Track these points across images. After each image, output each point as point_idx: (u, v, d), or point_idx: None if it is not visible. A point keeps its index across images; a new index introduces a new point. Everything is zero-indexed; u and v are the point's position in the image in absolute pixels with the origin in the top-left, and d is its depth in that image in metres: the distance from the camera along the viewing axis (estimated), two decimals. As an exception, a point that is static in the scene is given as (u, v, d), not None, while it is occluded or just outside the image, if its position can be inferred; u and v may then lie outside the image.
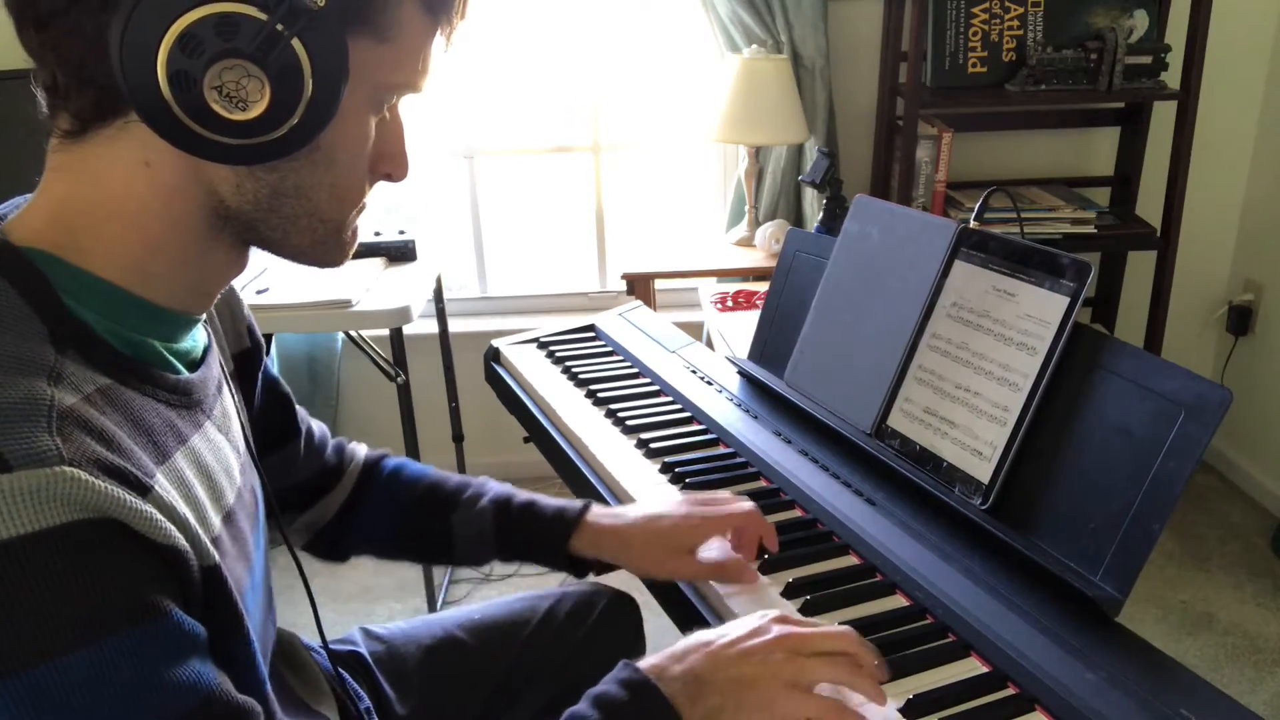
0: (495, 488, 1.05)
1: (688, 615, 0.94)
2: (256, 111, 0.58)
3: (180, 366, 0.69)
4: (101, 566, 0.53)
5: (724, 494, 1.01)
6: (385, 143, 0.69)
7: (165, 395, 0.65)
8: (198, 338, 0.73)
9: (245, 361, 0.91)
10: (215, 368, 0.75)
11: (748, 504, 0.97)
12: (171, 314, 0.67)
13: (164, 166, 0.62)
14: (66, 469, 0.52)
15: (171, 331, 0.68)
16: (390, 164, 0.70)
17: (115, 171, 0.62)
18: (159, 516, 0.56)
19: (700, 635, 0.77)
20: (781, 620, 0.77)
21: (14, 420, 0.53)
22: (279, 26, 0.57)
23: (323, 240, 0.68)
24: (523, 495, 1.03)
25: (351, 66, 0.61)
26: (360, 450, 1.08)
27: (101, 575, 0.53)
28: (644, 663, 0.74)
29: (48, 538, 0.51)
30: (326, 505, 1.04)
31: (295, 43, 0.58)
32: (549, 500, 1.02)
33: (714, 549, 0.98)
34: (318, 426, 1.06)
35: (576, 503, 1.02)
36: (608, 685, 0.73)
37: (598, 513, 1.00)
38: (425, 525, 1.04)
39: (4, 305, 0.58)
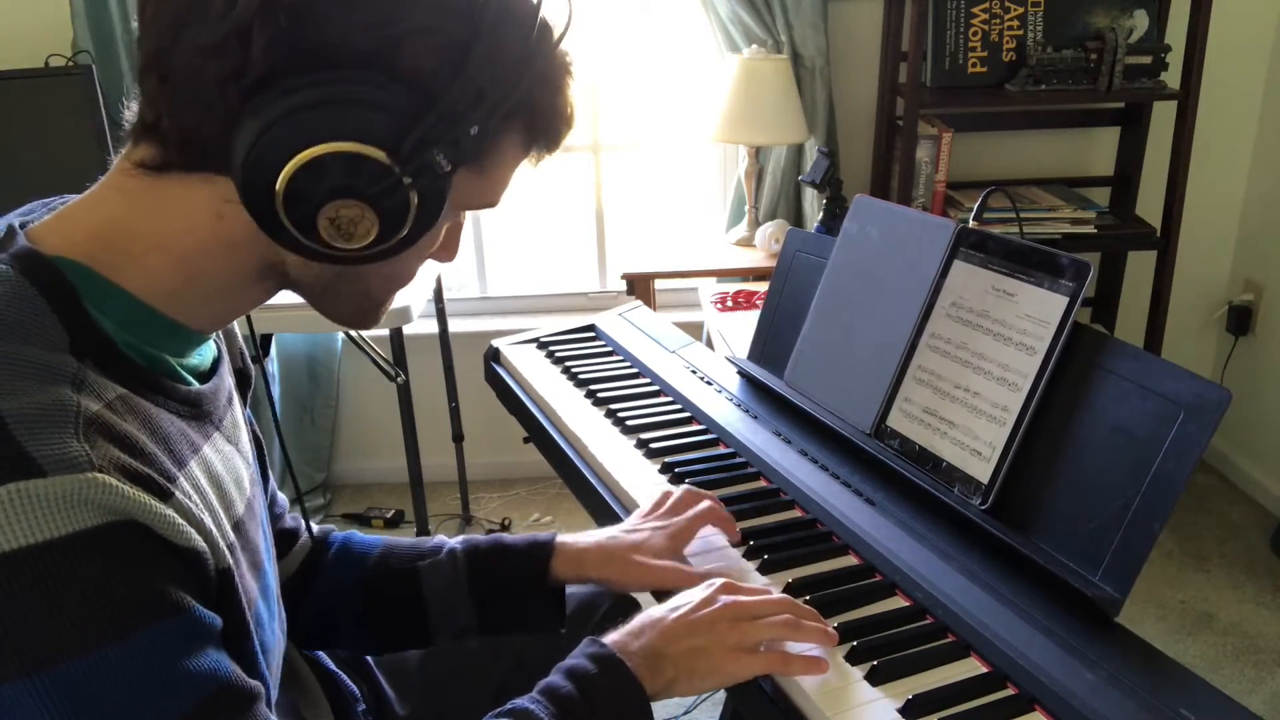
0: (456, 538, 1.01)
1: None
2: (360, 244, 0.61)
3: (191, 379, 0.70)
4: (130, 567, 0.55)
5: (657, 499, 1.02)
6: (445, 235, 0.73)
7: (177, 406, 0.66)
8: (206, 351, 0.74)
9: (240, 380, 0.91)
10: (226, 379, 0.76)
11: (705, 503, 0.99)
12: (187, 331, 0.68)
13: (235, 223, 0.63)
14: (97, 475, 0.54)
15: (183, 347, 0.69)
16: (443, 252, 0.74)
17: (184, 212, 0.63)
18: (179, 520, 0.58)
19: (653, 611, 0.82)
20: (728, 589, 0.83)
21: (45, 426, 0.55)
22: (405, 179, 0.59)
23: (365, 311, 0.73)
24: (485, 536, 1.01)
25: (449, 196, 0.63)
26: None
27: (130, 575, 0.55)
28: (607, 639, 0.80)
29: (81, 540, 0.53)
30: (283, 568, 0.97)
31: (412, 192, 0.60)
32: (515, 535, 1.01)
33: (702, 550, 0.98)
34: (279, 493, 1.02)
35: (543, 533, 1.00)
36: (577, 659, 0.78)
37: (567, 536, 0.99)
38: (391, 579, 0.98)
39: (32, 315, 0.59)
